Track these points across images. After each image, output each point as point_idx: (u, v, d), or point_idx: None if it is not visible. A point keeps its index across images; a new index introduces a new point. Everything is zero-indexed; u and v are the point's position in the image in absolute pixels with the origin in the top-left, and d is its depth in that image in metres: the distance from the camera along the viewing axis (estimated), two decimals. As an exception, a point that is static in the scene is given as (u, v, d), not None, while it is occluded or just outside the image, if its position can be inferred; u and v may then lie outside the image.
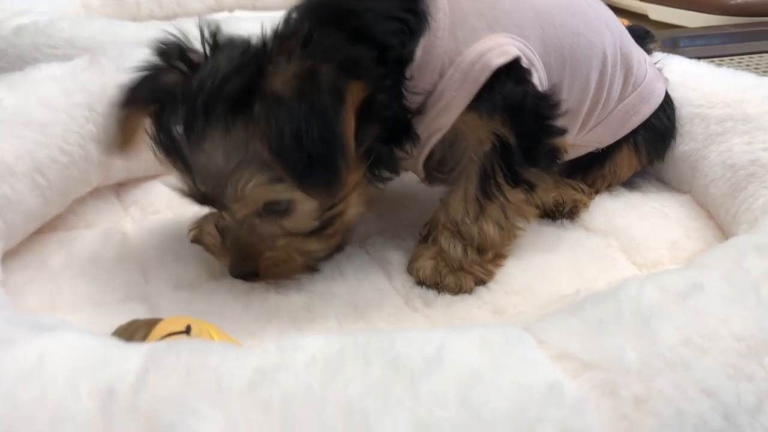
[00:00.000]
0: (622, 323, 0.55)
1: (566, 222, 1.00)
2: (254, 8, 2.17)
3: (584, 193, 1.03)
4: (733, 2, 1.97)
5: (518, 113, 0.79)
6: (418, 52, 0.78)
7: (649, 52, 1.14)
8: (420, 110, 0.80)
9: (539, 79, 0.83)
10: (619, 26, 1.00)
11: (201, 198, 0.77)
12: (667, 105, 1.05)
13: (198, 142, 0.72)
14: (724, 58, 1.71)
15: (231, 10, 2.16)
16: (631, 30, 1.11)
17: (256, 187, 0.73)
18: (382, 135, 0.77)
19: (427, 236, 0.89)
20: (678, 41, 1.75)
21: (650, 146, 1.04)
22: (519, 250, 0.93)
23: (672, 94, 1.09)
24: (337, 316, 0.81)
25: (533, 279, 0.88)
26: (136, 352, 0.50)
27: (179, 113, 0.73)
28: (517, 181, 0.82)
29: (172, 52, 0.77)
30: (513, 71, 0.79)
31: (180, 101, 0.73)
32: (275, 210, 0.77)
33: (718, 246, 0.69)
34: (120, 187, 1.10)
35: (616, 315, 0.56)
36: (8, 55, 1.29)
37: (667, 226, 1.00)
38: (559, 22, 0.87)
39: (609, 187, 1.07)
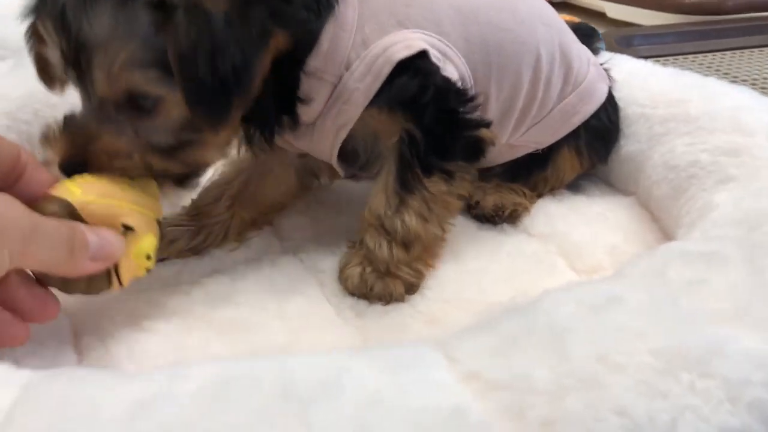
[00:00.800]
0: (534, 339, 0.53)
1: (507, 227, 0.98)
2: None
3: (525, 196, 1.01)
4: (688, 1, 1.96)
5: (418, 107, 0.78)
6: (325, 43, 0.76)
7: (595, 51, 1.13)
8: (305, 100, 0.78)
9: (460, 75, 0.82)
10: (558, 23, 0.98)
11: (67, 60, 0.68)
12: (609, 105, 1.03)
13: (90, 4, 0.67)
14: (678, 57, 1.70)
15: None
16: (578, 28, 1.09)
17: (129, 66, 0.67)
18: (276, 100, 0.76)
19: (358, 241, 0.87)
20: (632, 40, 1.74)
21: (592, 148, 1.02)
22: (455, 256, 0.90)
23: (618, 93, 1.08)
24: (264, 330, 0.77)
25: (468, 286, 0.86)
26: (13, 382, 0.46)
27: None
28: (431, 171, 0.80)
29: None
30: (414, 65, 0.77)
31: None
32: (138, 105, 0.71)
33: (645, 253, 0.67)
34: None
35: (529, 330, 0.54)
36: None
37: (608, 229, 0.97)
38: (484, 19, 0.85)
39: (552, 191, 1.05)
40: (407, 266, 0.83)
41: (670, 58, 1.67)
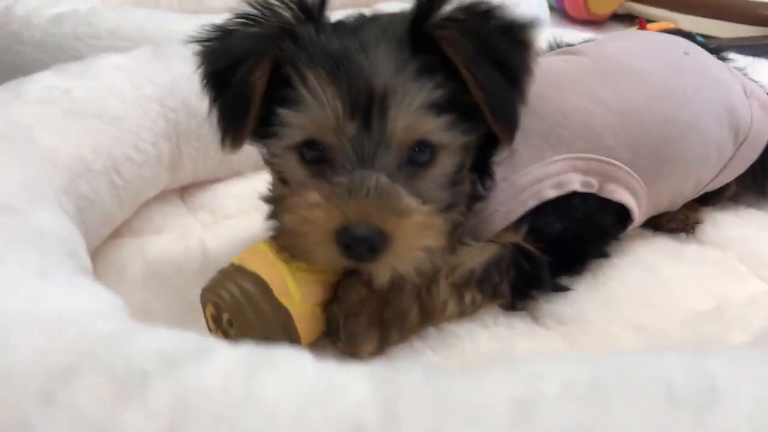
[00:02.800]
0: None
1: (680, 235, 0.93)
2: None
3: (695, 208, 0.97)
4: (766, 12, 1.94)
5: (553, 243, 0.77)
6: None
7: (723, 60, 1.08)
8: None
9: (620, 195, 0.82)
10: (714, 77, 0.93)
11: (354, 108, 0.63)
12: None
13: (370, 48, 0.65)
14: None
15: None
16: (703, 45, 1.06)
17: (425, 111, 0.64)
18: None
19: None
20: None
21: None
22: (639, 260, 0.86)
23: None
24: (471, 336, 0.72)
25: (662, 292, 0.81)
26: (356, 376, 0.41)
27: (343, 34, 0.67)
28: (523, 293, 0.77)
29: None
30: (562, 205, 0.78)
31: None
32: (417, 159, 0.66)
33: None
34: (184, 191, 1.01)
35: None
36: (46, 44, 1.19)
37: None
38: (647, 118, 0.83)
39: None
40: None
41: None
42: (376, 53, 0.64)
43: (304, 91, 0.63)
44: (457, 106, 0.65)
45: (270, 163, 0.72)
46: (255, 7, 0.68)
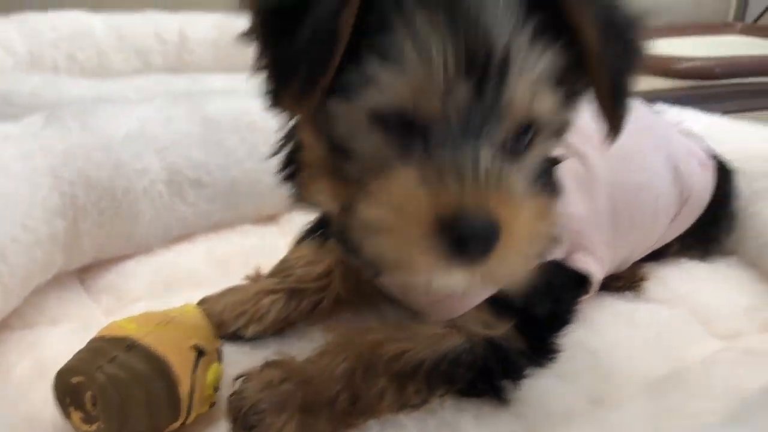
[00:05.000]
0: None
1: (628, 294, 0.89)
2: (187, 71, 2.00)
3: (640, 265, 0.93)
4: (679, 66, 1.99)
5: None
6: None
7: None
8: None
9: (585, 263, 0.77)
10: (665, 134, 0.93)
11: (470, 67, 0.50)
12: (719, 190, 0.96)
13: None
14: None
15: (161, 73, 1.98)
16: None
17: (540, 82, 0.52)
18: None
19: None
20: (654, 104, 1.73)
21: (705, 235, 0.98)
22: (592, 326, 0.81)
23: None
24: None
25: (619, 359, 0.75)
26: None
27: None
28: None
29: None
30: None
31: None
32: (519, 139, 0.54)
33: None
34: (84, 272, 0.89)
35: None
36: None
37: (729, 290, 0.90)
38: (609, 182, 0.81)
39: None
40: None
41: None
42: (494, 1, 0.51)
43: (407, 40, 0.49)
44: (565, 81, 0.55)
45: (316, 127, 0.57)
46: None
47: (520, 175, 0.53)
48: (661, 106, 1.14)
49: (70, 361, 0.60)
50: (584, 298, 0.80)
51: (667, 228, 0.91)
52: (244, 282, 0.80)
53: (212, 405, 0.64)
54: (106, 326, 0.64)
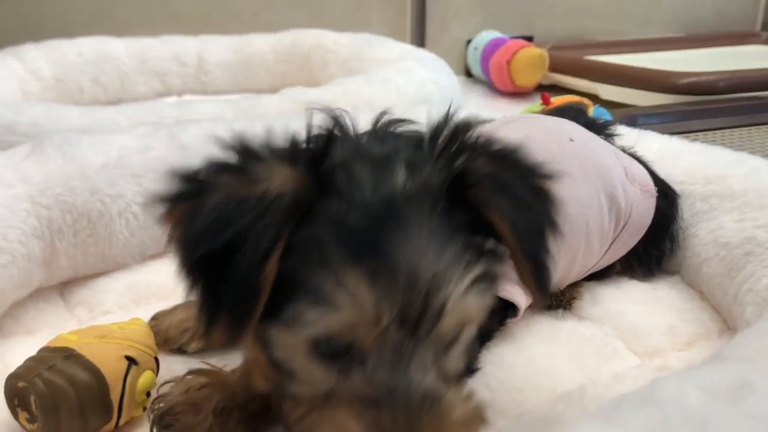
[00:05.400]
0: (675, 434, 0.47)
1: (560, 311, 0.94)
2: (204, 92, 2.11)
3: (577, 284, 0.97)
4: (681, 82, 2.00)
5: None
6: None
7: (610, 139, 1.10)
8: None
9: (510, 293, 0.81)
10: (598, 163, 0.95)
11: (405, 315, 0.52)
12: (661, 215, 1.00)
13: (406, 221, 0.53)
14: (678, 135, 1.72)
15: (180, 94, 2.10)
16: (591, 123, 1.08)
17: (472, 298, 0.55)
18: None
19: None
20: (636, 119, 1.75)
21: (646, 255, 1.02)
22: (514, 341, 0.86)
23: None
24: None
25: (534, 374, 0.80)
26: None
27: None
28: None
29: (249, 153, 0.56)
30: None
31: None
32: (453, 337, 0.58)
33: (745, 332, 0.63)
34: (64, 287, 0.99)
35: (665, 423, 0.48)
36: (-60, 144, 1.18)
37: (660, 309, 0.94)
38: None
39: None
40: None
41: (673, 136, 1.68)
42: (417, 228, 0.53)
43: (337, 291, 0.51)
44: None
45: (258, 344, 0.60)
46: (245, 155, 0.56)
47: (441, 372, 0.56)
48: (622, 129, 1.19)
49: (18, 368, 0.69)
50: (510, 321, 0.86)
51: (605, 252, 0.95)
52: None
53: (145, 409, 0.72)
54: (54, 338, 0.73)
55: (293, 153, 0.56)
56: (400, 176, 0.55)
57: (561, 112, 1.27)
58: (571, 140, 0.95)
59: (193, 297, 0.55)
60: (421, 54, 1.94)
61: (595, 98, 2.18)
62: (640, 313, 0.92)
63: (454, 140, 0.60)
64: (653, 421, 0.49)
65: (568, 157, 0.92)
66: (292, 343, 0.55)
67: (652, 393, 0.53)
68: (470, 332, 0.60)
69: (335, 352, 0.54)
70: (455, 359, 0.59)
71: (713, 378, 0.53)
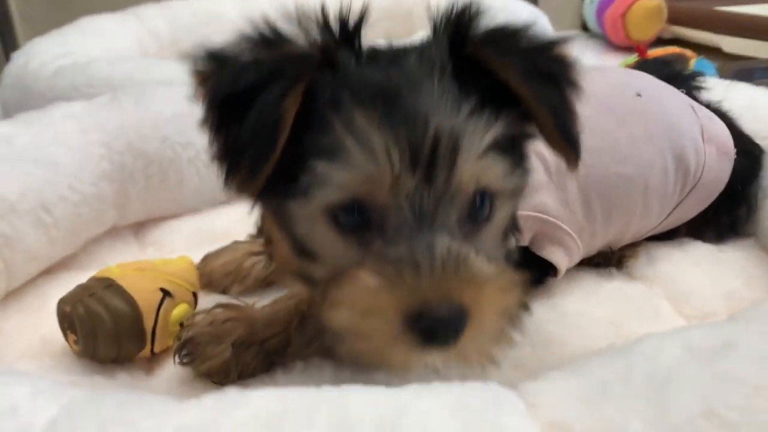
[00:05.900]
0: (630, 388, 0.46)
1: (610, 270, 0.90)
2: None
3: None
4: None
5: None
6: None
7: (695, 92, 1.01)
8: None
9: (551, 253, 0.81)
10: (667, 124, 0.89)
11: (416, 156, 0.53)
12: (738, 174, 0.92)
13: (419, 81, 0.55)
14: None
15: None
16: (674, 76, 1.00)
17: (488, 155, 0.55)
18: None
19: None
20: (752, 73, 1.62)
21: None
22: (552, 297, 0.84)
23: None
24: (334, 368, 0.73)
25: (566, 330, 0.78)
26: (54, 400, 0.44)
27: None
28: None
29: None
30: None
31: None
32: (477, 213, 0.57)
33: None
34: (139, 227, 1.07)
35: (625, 377, 0.47)
36: (47, 96, 1.30)
37: (723, 272, 0.88)
38: (585, 173, 0.80)
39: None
40: None
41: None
42: (428, 87, 0.55)
43: (349, 138, 0.52)
44: (510, 142, 0.58)
45: (280, 226, 0.61)
46: (272, 28, 0.57)
47: (481, 250, 0.55)
48: (711, 81, 1.10)
49: (67, 293, 0.76)
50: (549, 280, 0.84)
51: (670, 215, 0.90)
52: (243, 242, 0.93)
53: (178, 339, 0.77)
54: (101, 269, 0.80)
55: (324, 19, 0.57)
56: (413, 56, 0.58)
57: (645, 63, 1.20)
58: (639, 95, 0.90)
59: (214, 149, 0.57)
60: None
61: (717, 52, 2.03)
62: (699, 275, 0.87)
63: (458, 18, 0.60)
64: (615, 374, 0.47)
65: (630, 114, 0.87)
66: (310, 214, 0.56)
67: (631, 348, 0.51)
68: (503, 214, 0.60)
69: (354, 223, 0.55)
70: (489, 240, 0.59)
71: (701, 336, 0.50)
